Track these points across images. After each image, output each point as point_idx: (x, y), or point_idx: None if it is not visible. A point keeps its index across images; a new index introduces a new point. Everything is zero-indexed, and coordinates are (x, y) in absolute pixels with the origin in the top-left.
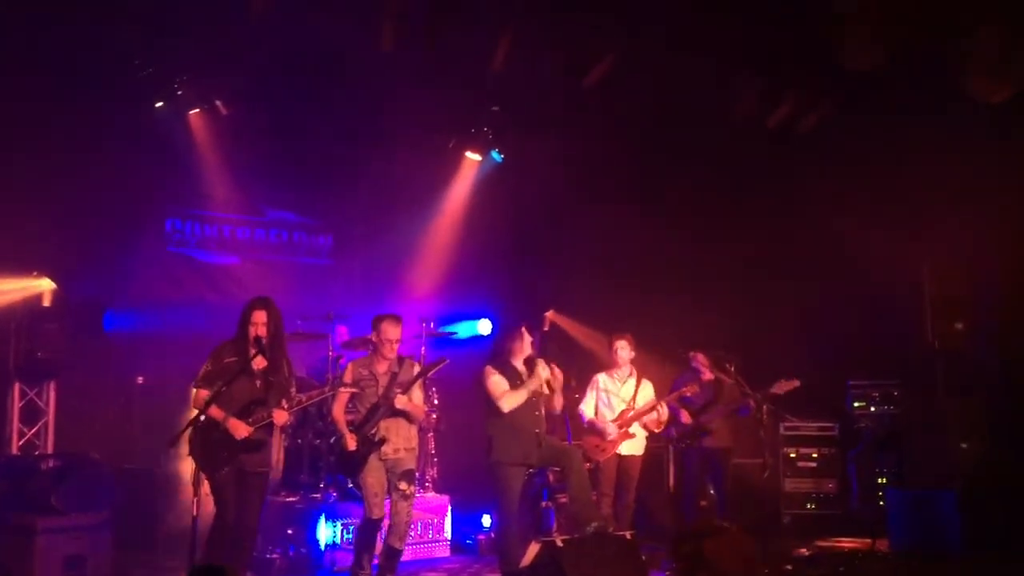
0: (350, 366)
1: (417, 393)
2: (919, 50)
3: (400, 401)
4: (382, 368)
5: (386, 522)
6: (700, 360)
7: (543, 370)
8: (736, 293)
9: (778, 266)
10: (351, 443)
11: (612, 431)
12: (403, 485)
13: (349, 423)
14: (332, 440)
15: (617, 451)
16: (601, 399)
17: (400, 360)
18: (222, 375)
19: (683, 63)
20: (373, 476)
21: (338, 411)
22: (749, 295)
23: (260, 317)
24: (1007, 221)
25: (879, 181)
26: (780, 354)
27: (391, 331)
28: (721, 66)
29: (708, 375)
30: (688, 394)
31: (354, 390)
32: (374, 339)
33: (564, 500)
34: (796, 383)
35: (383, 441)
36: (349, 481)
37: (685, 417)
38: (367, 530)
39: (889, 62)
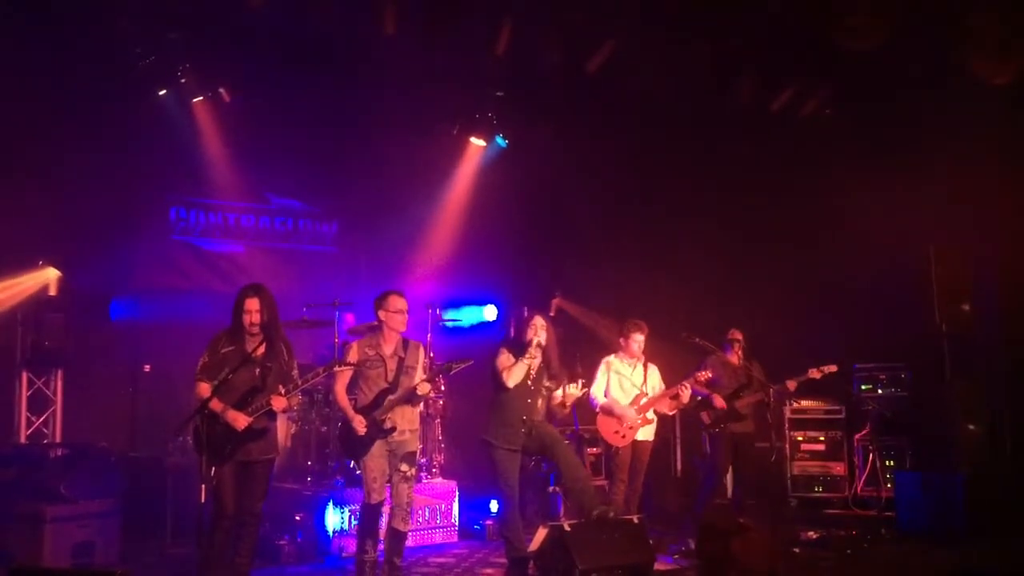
0: (355, 345)
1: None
2: (921, 32)
3: (423, 388)
4: (389, 349)
5: (386, 507)
6: (735, 341)
7: (540, 333)
8: (742, 277)
9: (784, 249)
10: (361, 427)
11: (632, 416)
12: (404, 467)
13: (352, 405)
14: (339, 425)
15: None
16: (612, 382)
17: (405, 343)
18: (221, 365)
19: (684, 47)
20: (375, 461)
21: (341, 391)
22: (755, 279)
23: (253, 304)
24: (1013, 202)
25: (884, 164)
26: (786, 337)
27: (400, 302)
28: (722, 50)
29: (736, 359)
30: (702, 379)
31: (351, 368)
32: (381, 315)
33: (566, 488)
34: (833, 368)
35: (393, 429)
36: (354, 464)
37: (719, 402)
38: (368, 515)
39: (890, 44)
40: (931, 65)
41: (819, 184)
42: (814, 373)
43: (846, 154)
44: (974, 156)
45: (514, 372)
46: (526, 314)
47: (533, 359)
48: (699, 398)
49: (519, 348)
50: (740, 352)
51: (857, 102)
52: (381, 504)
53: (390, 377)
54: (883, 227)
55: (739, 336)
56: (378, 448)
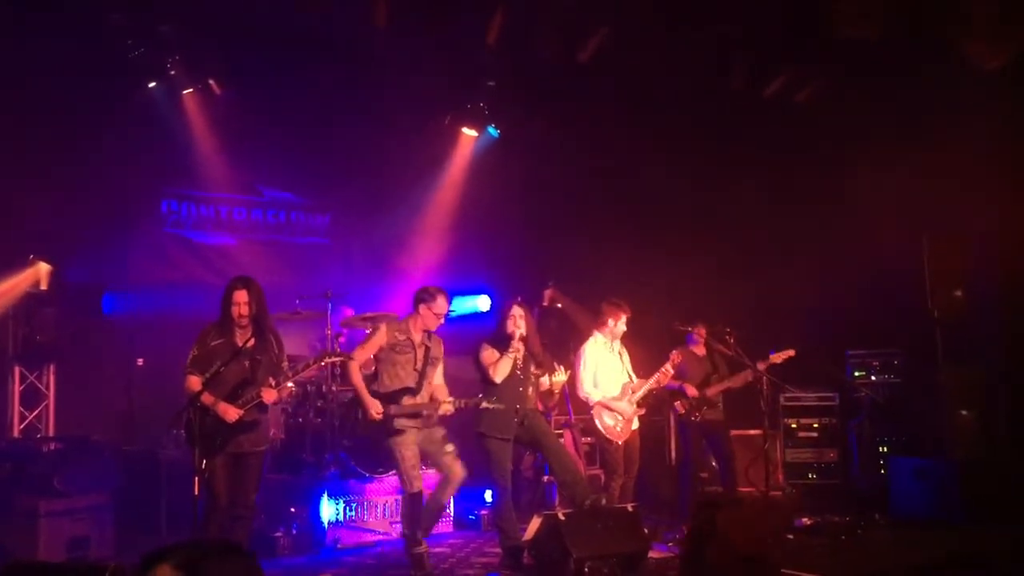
0: (384, 327)
1: (440, 375)
2: (915, 18)
3: (446, 408)
4: (418, 338)
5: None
6: (699, 334)
7: (520, 324)
8: (735, 265)
9: (777, 237)
10: (376, 412)
11: (630, 411)
12: (449, 447)
13: (373, 392)
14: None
15: None
16: (600, 371)
17: (429, 335)
18: (210, 358)
19: (677, 35)
20: (411, 450)
21: (356, 373)
22: (748, 266)
23: (241, 297)
24: (1007, 188)
25: (877, 151)
26: (779, 325)
27: (445, 306)
28: (716, 37)
29: (701, 350)
30: (676, 360)
31: (340, 359)
32: (422, 309)
33: (558, 480)
34: (791, 352)
35: (401, 431)
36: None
37: (691, 390)
38: (413, 504)
39: (885, 31)
40: (926, 53)
41: (813, 172)
42: (775, 358)
43: (840, 142)
44: (968, 143)
45: (500, 368)
46: (505, 306)
47: (518, 352)
48: (672, 389)
49: (501, 341)
50: (703, 344)
51: (852, 90)
52: (422, 492)
53: (418, 365)
54: (876, 213)
55: (702, 329)
56: (412, 437)
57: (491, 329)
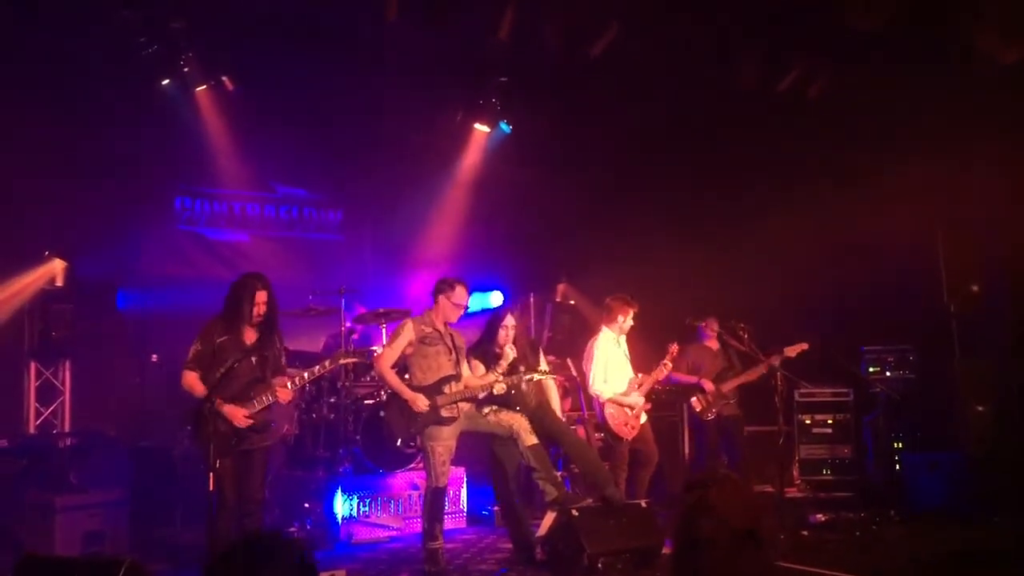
0: (411, 322)
1: (467, 367)
2: (928, 10)
3: (499, 388)
4: (442, 328)
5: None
6: (711, 329)
7: (510, 353)
8: (749, 260)
9: (790, 232)
10: (424, 405)
11: (640, 404)
12: (486, 409)
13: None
14: (384, 401)
15: None
16: (610, 367)
17: (448, 325)
18: (215, 354)
19: (687, 29)
20: (443, 445)
21: (387, 370)
22: (762, 261)
23: (263, 297)
24: (1022, 181)
25: (892, 144)
26: (794, 320)
27: (464, 296)
28: (726, 31)
29: (715, 344)
30: (674, 352)
31: (354, 360)
32: (441, 300)
33: (579, 471)
34: (805, 346)
35: (454, 418)
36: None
37: (708, 385)
38: (437, 499)
39: (897, 21)
40: (940, 45)
41: (826, 165)
42: (789, 351)
43: (853, 136)
44: (984, 135)
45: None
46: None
47: (503, 369)
48: (689, 385)
49: (486, 350)
50: (717, 338)
51: (865, 83)
52: (446, 488)
53: (452, 354)
54: (891, 208)
55: (714, 323)
56: (451, 431)
57: (482, 334)
